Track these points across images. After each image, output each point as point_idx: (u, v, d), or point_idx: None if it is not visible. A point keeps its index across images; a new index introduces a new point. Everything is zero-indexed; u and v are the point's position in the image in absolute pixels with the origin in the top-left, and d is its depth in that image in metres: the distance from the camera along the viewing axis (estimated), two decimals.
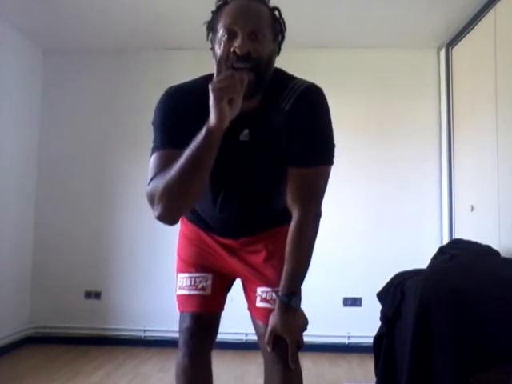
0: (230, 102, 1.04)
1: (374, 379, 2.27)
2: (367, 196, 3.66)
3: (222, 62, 1.10)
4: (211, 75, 1.23)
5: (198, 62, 3.81)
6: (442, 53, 3.62)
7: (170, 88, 1.28)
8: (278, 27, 1.22)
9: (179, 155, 1.10)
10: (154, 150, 1.22)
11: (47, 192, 3.77)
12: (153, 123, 1.26)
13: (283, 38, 1.25)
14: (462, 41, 3.31)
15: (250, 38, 1.13)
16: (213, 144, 1.08)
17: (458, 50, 3.41)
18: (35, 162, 3.77)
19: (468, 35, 3.19)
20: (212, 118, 1.05)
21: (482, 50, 2.93)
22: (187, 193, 1.12)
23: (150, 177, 1.17)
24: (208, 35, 1.23)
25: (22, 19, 3.31)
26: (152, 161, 1.21)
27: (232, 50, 1.12)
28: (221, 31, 1.15)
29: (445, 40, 3.55)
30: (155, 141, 1.23)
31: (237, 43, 1.12)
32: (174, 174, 1.08)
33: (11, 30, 3.40)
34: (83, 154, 3.80)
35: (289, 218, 1.30)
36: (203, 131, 1.07)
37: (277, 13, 1.23)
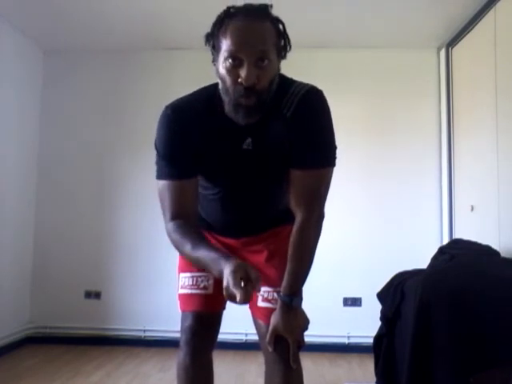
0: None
1: (374, 379, 2.27)
2: (367, 196, 3.66)
3: (228, 290, 1.05)
4: (210, 87, 1.25)
5: (198, 62, 3.82)
6: (442, 53, 3.62)
7: (167, 108, 1.25)
8: (282, 43, 1.19)
9: (187, 185, 1.23)
10: (161, 177, 1.26)
11: (47, 192, 3.77)
12: (155, 147, 1.27)
13: (286, 52, 1.21)
14: (462, 41, 3.31)
15: (255, 65, 1.11)
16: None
17: (457, 50, 3.41)
18: (35, 161, 3.77)
19: (468, 35, 3.19)
20: (224, 284, 1.07)
21: (482, 50, 2.93)
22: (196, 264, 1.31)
23: (167, 215, 1.26)
24: (206, 44, 1.20)
25: (22, 19, 3.31)
26: (162, 191, 1.27)
27: (239, 80, 1.11)
28: (225, 55, 1.11)
29: (445, 40, 3.55)
30: (162, 169, 1.26)
31: (243, 73, 1.10)
32: (187, 255, 1.25)
33: (11, 30, 3.40)
34: (83, 154, 3.80)
35: (290, 217, 1.31)
36: (217, 268, 1.12)
37: (281, 27, 1.18)
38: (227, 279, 1.04)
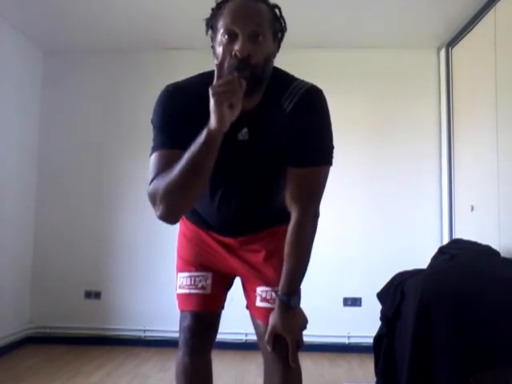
0: (231, 106, 1.04)
1: (374, 379, 2.27)
2: (367, 196, 3.66)
3: (222, 65, 1.09)
4: (211, 72, 1.22)
5: (198, 62, 3.81)
6: (442, 53, 3.62)
7: (168, 86, 1.27)
8: (278, 26, 1.22)
9: (179, 155, 1.11)
10: (153, 149, 1.22)
11: (47, 192, 3.77)
12: (152, 122, 1.25)
13: (283, 36, 1.25)
14: (462, 41, 3.31)
15: (250, 39, 1.13)
16: (213, 147, 1.08)
17: (457, 50, 3.41)
18: (35, 161, 3.77)
19: (468, 35, 3.19)
20: (212, 121, 1.05)
21: (482, 50, 2.93)
22: (187, 194, 1.14)
23: (150, 177, 1.18)
24: (207, 31, 1.23)
25: (22, 19, 3.31)
26: (152, 160, 1.20)
27: (233, 53, 1.12)
28: (221, 31, 1.15)
29: (445, 40, 3.55)
30: (155, 140, 1.23)
31: (237, 46, 1.11)
32: (174, 176, 1.10)
33: (11, 30, 3.40)
34: (83, 154, 3.80)
35: (288, 216, 1.30)
36: (203, 134, 1.07)
37: (277, 11, 1.22)
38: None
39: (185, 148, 1.11)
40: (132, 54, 3.84)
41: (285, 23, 1.24)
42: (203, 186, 1.16)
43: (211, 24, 1.21)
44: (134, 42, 3.71)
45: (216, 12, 1.19)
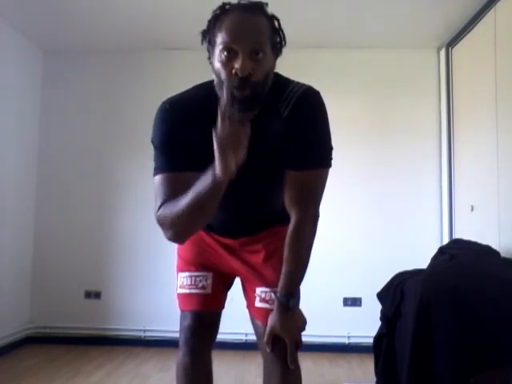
0: (236, 152, 1.05)
1: (374, 379, 2.27)
2: (367, 196, 3.66)
3: (226, 110, 1.04)
4: (208, 84, 1.23)
5: (198, 62, 3.80)
6: (442, 53, 3.62)
7: (165, 103, 1.25)
8: (277, 39, 1.19)
9: (184, 178, 1.15)
10: (157, 171, 1.22)
11: (47, 192, 3.77)
12: (152, 142, 1.24)
13: (281, 48, 1.21)
14: (462, 41, 3.31)
15: (250, 57, 1.10)
16: (219, 192, 1.11)
17: (457, 50, 3.41)
18: (35, 161, 3.77)
19: (468, 35, 3.19)
20: (218, 170, 1.06)
21: (482, 50, 2.93)
22: (194, 226, 1.22)
23: (158, 202, 1.19)
24: (202, 42, 1.20)
25: (22, 19, 3.32)
26: (157, 184, 1.21)
27: (233, 71, 1.09)
28: (220, 47, 1.11)
29: (445, 40, 3.55)
30: (157, 161, 1.23)
31: (238, 64, 1.09)
32: (181, 210, 1.13)
33: (11, 30, 3.40)
34: (83, 154, 3.80)
35: (287, 218, 1.30)
36: (209, 179, 1.08)
37: (276, 23, 1.18)
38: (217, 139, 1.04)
39: (188, 168, 1.16)
40: (132, 54, 3.84)
41: (284, 36, 1.20)
42: (208, 219, 1.21)
43: (208, 37, 1.17)
44: (134, 42, 3.71)
45: (213, 24, 1.15)
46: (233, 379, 2.92)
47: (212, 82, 1.21)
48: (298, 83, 1.26)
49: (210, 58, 1.18)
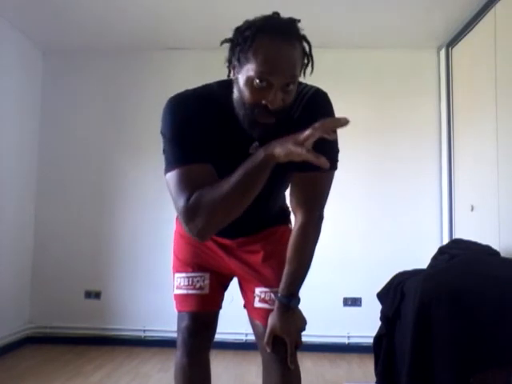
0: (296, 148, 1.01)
1: (374, 379, 2.26)
2: (367, 196, 3.66)
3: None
4: (218, 86, 1.21)
5: (199, 61, 3.84)
6: (442, 53, 3.62)
7: (173, 97, 1.19)
8: (305, 61, 1.14)
9: (207, 169, 1.10)
10: (172, 166, 1.12)
11: (47, 192, 3.77)
12: (163, 135, 1.16)
13: (306, 68, 1.15)
14: (462, 41, 3.31)
15: (283, 89, 1.07)
16: (267, 173, 1.06)
17: (458, 50, 3.41)
18: (35, 161, 3.77)
19: (468, 35, 3.19)
20: (278, 150, 1.02)
21: (482, 50, 2.93)
22: (233, 212, 1.11)
23: (185, 195, 1.08)
24: (230, 53, 1.13)
25: (21, 19, 3.32)
26: (175, 180, 1.11)
27: (264, 103, 1.06)
28: (253, 73, 1.05)
29: (445, 40, 3.55)
30: (172, 155, 1.13)
31: (270, 97, 1.05)
32: (225, 192, 1.06)
33: (11, 30, 3.40)
34: (83, 154, 3.80)
35: (285, 218, 1.31)
36: (261, 157, 1.03)
37: (307, 46, 1.14)
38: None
39: (206, 160, 1.10)
40: (132, 53, 3.84)
41: (313, 61, 1.15)
42: (247, 205, 1.11)
43: (238, 53, 1.09)
44: (134, 42, 3.71)
45: (245, 42, 1.07)
46: (233, 379, 2.92)
47: (223, 84, 1.20)
48: (306, 85, 1.24)
49: (232, 68, 1.13)
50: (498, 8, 2.72)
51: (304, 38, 1.13)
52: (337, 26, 3.39)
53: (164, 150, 1.16)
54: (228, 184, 1.06)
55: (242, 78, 1.09)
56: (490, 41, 2.79)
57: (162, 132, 1.17)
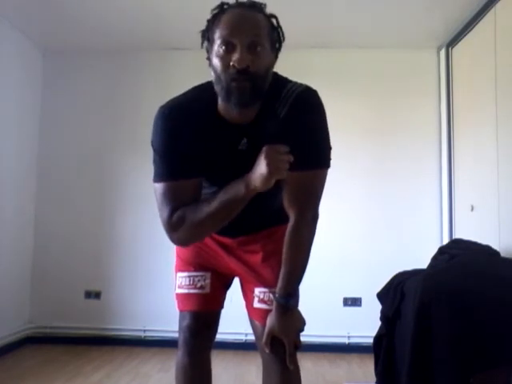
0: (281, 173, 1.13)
1: (374, 379, 2.26)
2: (367, 196, 3.66)
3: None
4: (206, 85, 1.22)
5: (198, 61, 3.81)
6: (442, 53, 3.62)
7: (164, 107, 1.22)
8: (275, 36, 1.18)
9: (188, 185, 1.20)
10: (159, 178, 1.20)
11: (47, 192, 3.77)
12: (152, 146, 1.21)
13: (280, 46, 1.21)
14: (462, 41, 3.31)
15: (248, 50, 1.08)
16: (247, 200, 1.17)
17: (458, 50, 3.41)
18: (35, 161, 3.77)
19: (468, 35, 3.19)
20: (257, 182, 1.11)
21: (482, 50, 2.93)
22: (213, 230, 1.29)
23: (168, 209, 1.20)
24: (203, 43, 1.19)
25: (21, 19, 3.32)
26: (162, 192, 1.20)
27: (231, 64, 1.08)
28: (218, 42, 1.10)
29: (445, 40, 3.55)
30: (160, 168, 1.21)
31: (235, 57, 1.07)
32: (205, 215, 1.17)
33: (11, 30, 3.40)
34: (83, 154, 3.80)
35: (286, 217, 1.30)
36: (242, 189, 1.13)
37: (275, 21, 1.18)
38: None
39: (190, 175, 1.19)
40: (132, 53, 3.84)
41: (283, 33, 1.19)
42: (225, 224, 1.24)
43: (207, 35, 1.16)
44: (134, 42, 3.71)
45: (212, 23, 1.15)
46: (233, 379, 2.92)
47: (208, 83, 1.20)
48: (295, 83, 1.24)
49: (209, 58, 1.17)
50: (497, 8, 2.72)
51: (271, 14, 1.19)
52: (337, 26, 3.39)
53: (154, 160, 1.23)
54: (209, 208, 1.16)
55: (213, 56, 1.14)
56: (490, 41, 2.79)
57: (152, 143, 1.22)
